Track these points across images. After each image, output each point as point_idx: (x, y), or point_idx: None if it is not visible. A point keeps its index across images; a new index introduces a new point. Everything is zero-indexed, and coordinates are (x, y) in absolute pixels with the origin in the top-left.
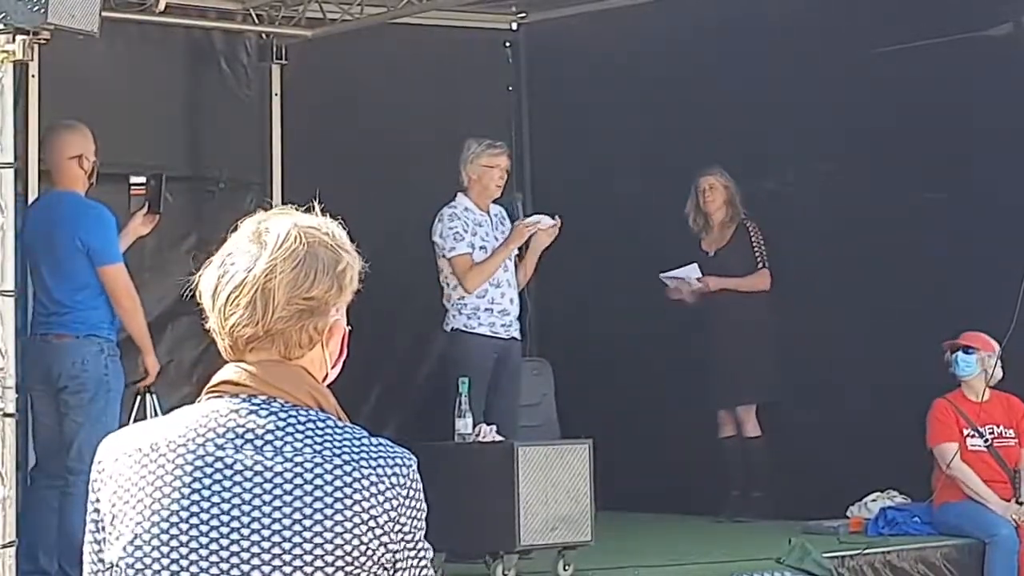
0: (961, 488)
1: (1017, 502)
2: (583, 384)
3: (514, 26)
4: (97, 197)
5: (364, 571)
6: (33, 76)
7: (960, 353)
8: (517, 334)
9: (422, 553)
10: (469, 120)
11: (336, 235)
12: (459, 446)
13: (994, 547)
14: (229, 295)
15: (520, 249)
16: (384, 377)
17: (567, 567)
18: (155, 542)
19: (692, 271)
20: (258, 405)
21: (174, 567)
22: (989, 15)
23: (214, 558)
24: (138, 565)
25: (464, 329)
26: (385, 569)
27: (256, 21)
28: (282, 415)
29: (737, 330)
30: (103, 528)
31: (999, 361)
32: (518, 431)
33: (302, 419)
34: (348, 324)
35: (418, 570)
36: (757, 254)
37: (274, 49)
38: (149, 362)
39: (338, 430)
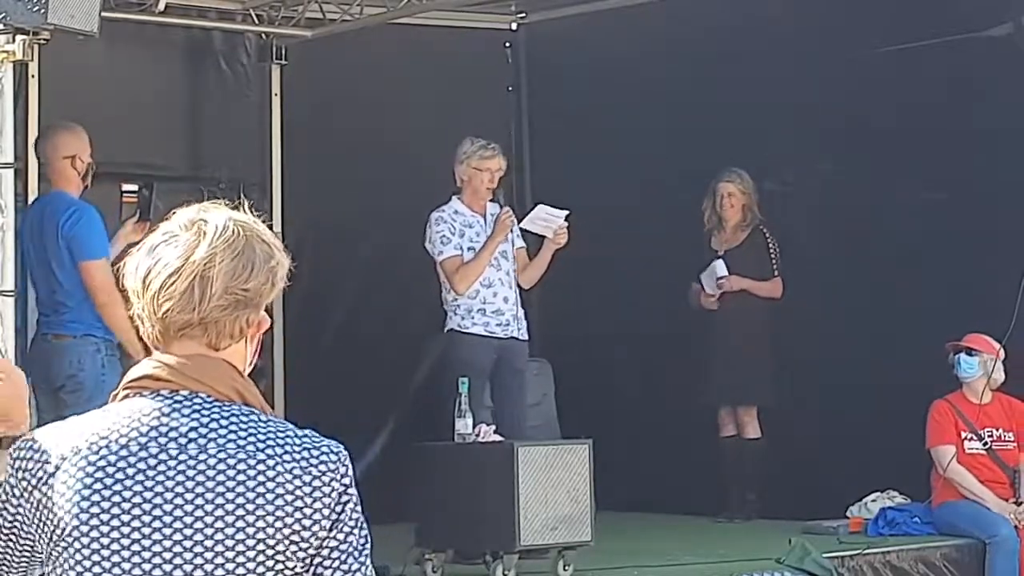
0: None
1: (1016, 503)
2: (583, 384)
3: (514, 26)
4: (95, 197)
5: (296, 560)
6: (33, 76)
7: (962, 355)
8: (519, 334)
9: (359, 545)
10: (469, 120)
11: (268, 233)
12: (459, 446)
13: (994, 547)
14: (165, 280)
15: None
16: (384, 377)
17: (567, 567)
18: (84, 540)
19: (720, 267)
20: (180, 402)
21: (97, 569)
22: (989, 15)
23: (136, 559)
24: (72, 562)
25: (459, 329)
26: (323, 557)
27: (256, 21)
28: (205, 411)
29: (737, 330)
30: (28, 522)
31: (1001, 364)
32: (527, 432)
33: (225, 415)
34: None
35: (359, 564)
36: (774, 261)
37: (274, 49)
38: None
39: (262, 424)
